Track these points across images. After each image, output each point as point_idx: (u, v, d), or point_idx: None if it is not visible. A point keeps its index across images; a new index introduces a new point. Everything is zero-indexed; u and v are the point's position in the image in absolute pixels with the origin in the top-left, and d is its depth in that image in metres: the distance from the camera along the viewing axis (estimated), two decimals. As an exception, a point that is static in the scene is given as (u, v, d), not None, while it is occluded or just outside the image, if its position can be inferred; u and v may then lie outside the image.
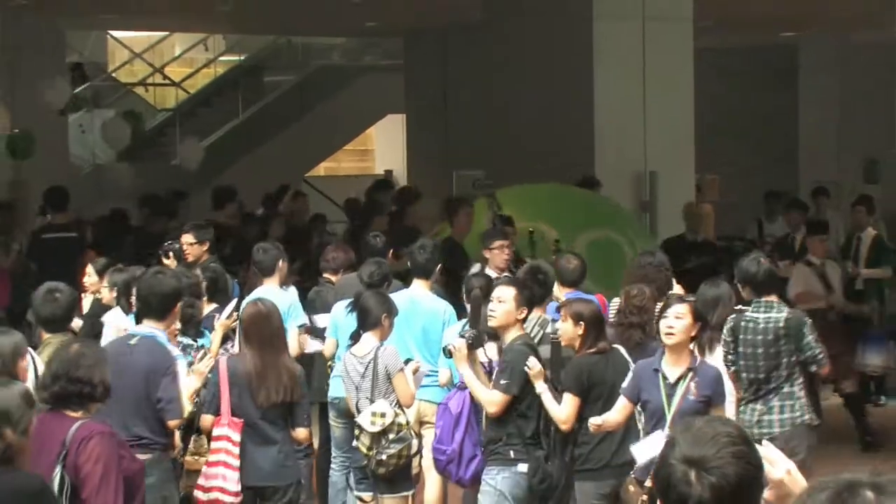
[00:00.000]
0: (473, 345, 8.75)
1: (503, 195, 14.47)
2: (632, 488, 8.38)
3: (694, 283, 13.99)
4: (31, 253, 14.94)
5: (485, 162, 18.23)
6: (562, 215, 14.34)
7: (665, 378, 8.27)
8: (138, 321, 8.78)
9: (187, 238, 11.95)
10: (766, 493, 3.90)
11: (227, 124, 24.44)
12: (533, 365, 8.79)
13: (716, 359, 9.53)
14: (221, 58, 27.10)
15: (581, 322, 8.86)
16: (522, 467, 8.61)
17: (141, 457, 8.08)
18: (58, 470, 6.50)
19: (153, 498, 8.20)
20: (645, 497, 8.21)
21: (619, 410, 8.45)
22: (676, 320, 8.38)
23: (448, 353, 8.82)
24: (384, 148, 28.25)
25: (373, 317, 9.47)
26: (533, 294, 9.38)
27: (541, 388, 8.84)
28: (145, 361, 8.35)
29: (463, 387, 9.38)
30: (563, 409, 8.70)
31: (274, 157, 23.70)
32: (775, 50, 23.93)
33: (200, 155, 21.79)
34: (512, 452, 8.62)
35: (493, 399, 8.62)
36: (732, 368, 9.71)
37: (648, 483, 8.06)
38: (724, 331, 9.73)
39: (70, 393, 6.62)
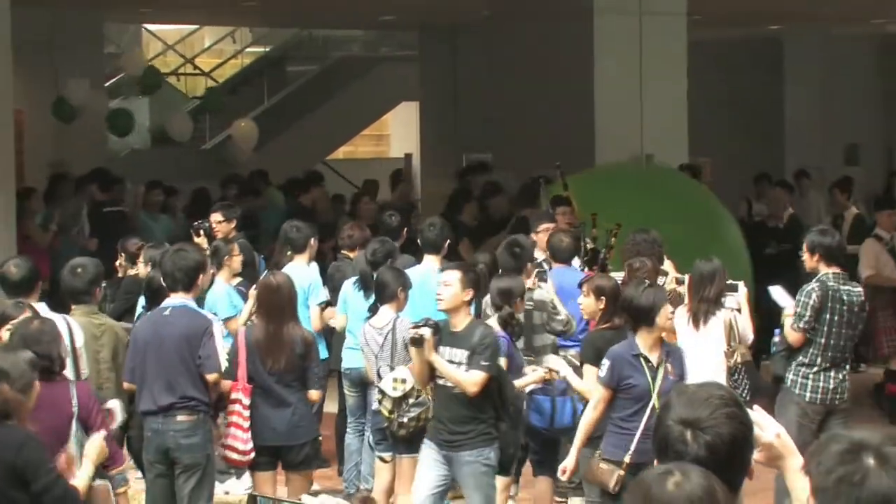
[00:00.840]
0: (435, 332, 8.56)
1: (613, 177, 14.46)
2: (604, 466, 8.29)
3: (774, 269, 14.07)
4: (92, 226, 15.38)
5: (492, 145, 18.41)
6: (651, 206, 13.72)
7: (648, 361, 8.26)
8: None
9: (216, 217, 12.18)
10: (757, 455, 3.90)
11: (252, 111, 24.55)
12: (556, 365, 9.06)
13: (710, 331, 9.53)
14: (248, 49, 27.18)
15: (602, 297, 9.00)
16: (488, 450, 8.56)
17: (187, 419, 8.61)
18: None
19: (198, 457, 8.66)
20: (622, 472, 8.19)
21: (599, 404, 8.40)
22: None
23: (415, 342, 8.55)
24: (399, 133, 28.24)
25: (389, 290, 9.69)
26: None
27: (565, 370, 9.07)
28: (184, 325, 8.63)
29: None
30: (586, 383, 8.78)
31: (296, 141, 23.79)
32: (762, 42, 23.94)
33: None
34: (493, 430, 8.56)
35: (475, 380, 8.43)
36: (808, 333, 9.64)
37: (627, 459, 8.15)
38: (813, 297, 9.60)
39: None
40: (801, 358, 9.66)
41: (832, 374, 9.63)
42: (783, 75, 23.99)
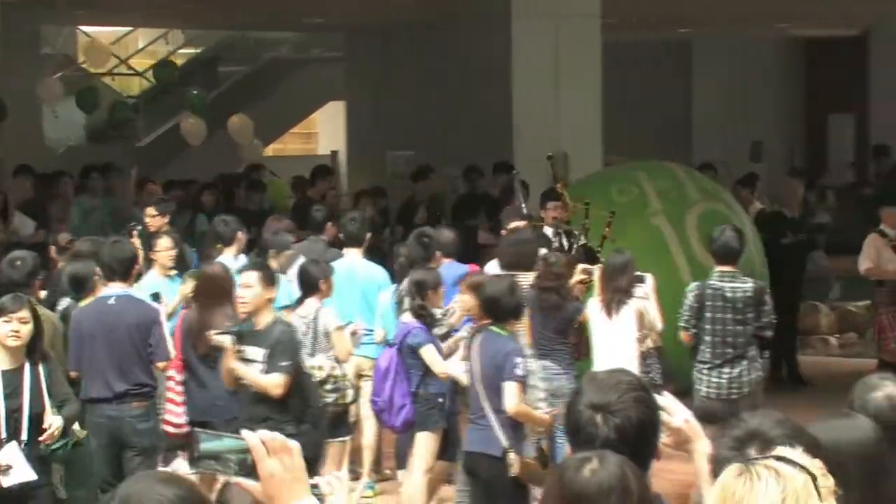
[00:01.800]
0: (238, 340, 8.35)
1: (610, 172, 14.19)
2: (513, 456, 8.08)
3: (791, 258, 14.11)
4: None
5: (416, 144, 18.26)
6: (669, 190, 13.72)
7: None
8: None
9: (150, 211, 12.16)
10: (666, 439, 3.92)
11: (185, 110, 24.22)
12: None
13: (622, 319, 9.53)
14: (180, 50, 26.90)
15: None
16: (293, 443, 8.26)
17: (140, 405, 8.67)
18: None
19: (153, 440, 8.82)
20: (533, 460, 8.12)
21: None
22: None
23: (216, 348, 8.38)
24: (327, 131, 28.16)
25: (311, 282, 9.58)
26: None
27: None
28: (134, 314, 8.71)
29: (393, 344, 9.45)
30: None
31: (227, 139, 23.55)
32: (672, 44, 24.03)
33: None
34: (294, 430, 8.16)
35: (276, 382, 8.18)
36: (692, 331, 9.63)
37: (532, 452, 8.07)
38: (690, 298, 9.63)
39: None
40: (697, 356, 9.64)
41: (725, 370, 9.53)
42: (691, 76, 24.09)
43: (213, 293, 9.06)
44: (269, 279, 8.45)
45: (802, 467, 3.07)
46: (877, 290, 13.00)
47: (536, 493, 8.79)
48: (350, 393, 9.35)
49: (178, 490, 2.88)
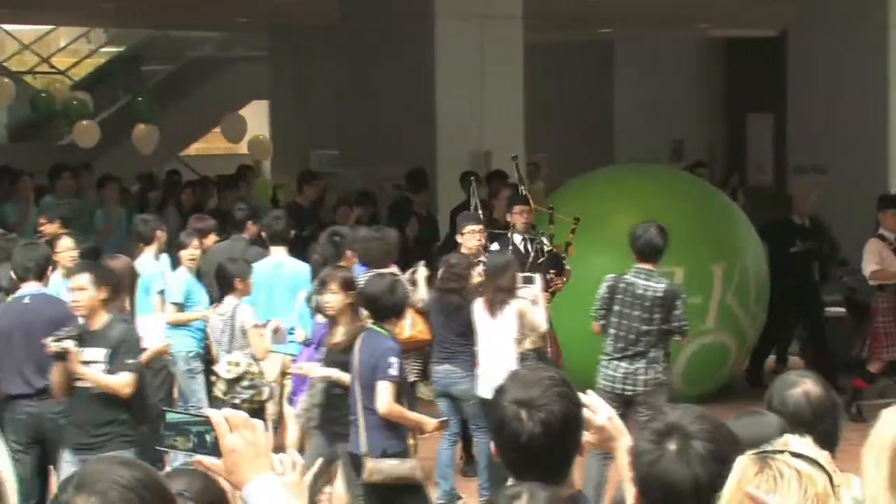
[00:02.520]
0: (79, 342, 8.04)
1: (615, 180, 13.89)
2: (370, 462, 8.05)
3: (798, 266, 13.78)
4: None
5: (339, 143, 18.23)
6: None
7: None
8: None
9: (41, 219, 12.25)
10: (590, 437, 3.93)
11: (105, 109, 24.10)
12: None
13: (504, 318, 9.61)
14: (103, 49, 26.72)
15: (350, 290, 8.79)
16: (127, 452, 7.88)
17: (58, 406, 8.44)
18: None
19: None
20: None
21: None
22: None
23: (58, 356, 8.01)
24: (251, 130, 27.99)
25: (228, 280, 9.61)
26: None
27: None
28: (50, 311, 8.55)
29: (310, 343, 9.47)
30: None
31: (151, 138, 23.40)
32: (594, 44, 24.12)
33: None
34: (132, 432, 8.05)
35: (126, 381, 7.93)
36: (601, 323, 9.63)
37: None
38: (603, 289, 9.62)
39: None
40: (604, 347, 9.66)
41: (623, 364, 9.51)
42: (613, 76, 24.21)
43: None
44: (101, 280, 8.13)
45: (820, 466, 3.09)
46: (876, 296, 12.63)
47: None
48: (266, 391, 9.32)
49: (136, 473, 2.84)
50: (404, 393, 8.37)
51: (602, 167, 15.29)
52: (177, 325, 10.59)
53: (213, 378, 9.40)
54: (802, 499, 3.01)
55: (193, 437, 3.18)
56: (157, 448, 3.48)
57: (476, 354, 9.77)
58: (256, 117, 25.79)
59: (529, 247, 11.00)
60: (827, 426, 4.36)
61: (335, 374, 8.62)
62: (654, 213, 11.32)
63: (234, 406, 9.04)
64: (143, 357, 8.66)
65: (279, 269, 10.57)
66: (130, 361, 7.99)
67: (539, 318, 9.84)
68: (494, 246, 11.10)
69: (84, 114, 21.64)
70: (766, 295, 13.53)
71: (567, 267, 10.93)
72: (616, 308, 9.54)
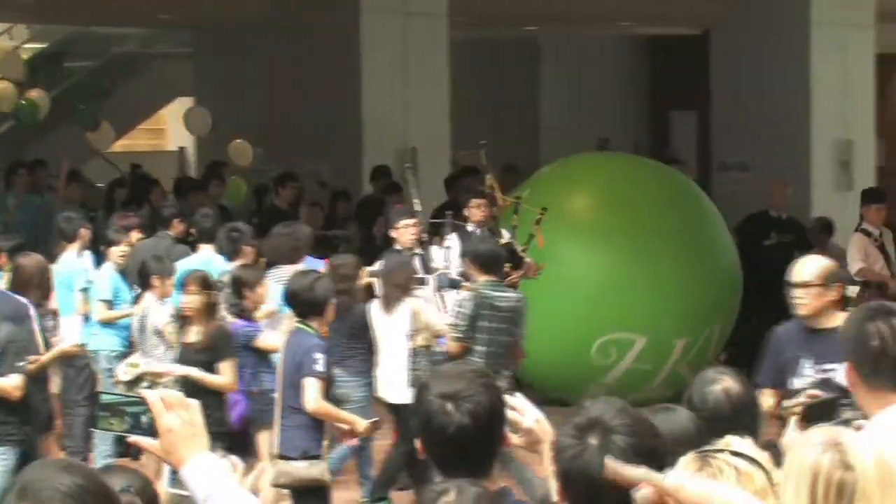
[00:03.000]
0: None
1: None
2: (280, 464, 8.07)
3: (773, 259, 12.92)
4: None
5: (266, 140, 18.18)
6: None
7: None
8: None
9: None
10: (518, 440, 3.96)
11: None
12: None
13: (398, 315, 9.69)
14: (25, 45, 26.38)
15: (207, 290, 8.81)
16: (13, 451, 7.90)
17: None
18: None
19: None
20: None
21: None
22: None
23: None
24: (175, 127, 27.85)
25: (146, 278, 9.69)
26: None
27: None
28: (8, 308, 8.44)
29: None
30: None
31: (75, 134, 23.20)
32: (520, 42, 24.17)
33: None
34: (18, 432, 7.94)
35: (14, 384, 7.82)
36: (466, 342, 9.37)
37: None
38: (463, 306, 9.42)
39: None
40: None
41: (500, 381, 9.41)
42: (539, 74, 24.27)
43: (21, 284, 8.90)
44: None
45: (759, 464, 3.17)
46: (859, 295, 12.21)
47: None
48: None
49: (77, 479, 2.80)
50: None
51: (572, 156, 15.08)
52: (105, 323, 10.54)
53: (114, 380, 9.32)
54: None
55: (128, 418, 3.19)
56: (93, 429, 3.46)
57: (370, 358, 9.76)
58: (180, 115, 25.68)
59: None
60: (746, 422, 4.40)
61: (194, 372, 8.59)
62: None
63: None
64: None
65: (207, 267, 10.39)
66: (20, 364, 7.86)
67: (434, 317, 9.89)
68: (453, 238, 11.06)
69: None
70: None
71: (527, 259, 10.89)
72: (481, 324, 9.34)
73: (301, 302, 8.07)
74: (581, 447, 3.37)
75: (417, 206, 11.42)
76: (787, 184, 14.58)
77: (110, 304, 10.63)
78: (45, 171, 16.77)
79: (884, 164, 18.09)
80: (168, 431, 3.16)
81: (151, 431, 3.17)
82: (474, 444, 3.67)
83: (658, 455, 3.31)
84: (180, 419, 3.17)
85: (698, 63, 20.51)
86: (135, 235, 11.50)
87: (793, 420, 4.64)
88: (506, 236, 11.06)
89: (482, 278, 9.43)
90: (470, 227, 11.10)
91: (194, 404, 3.24)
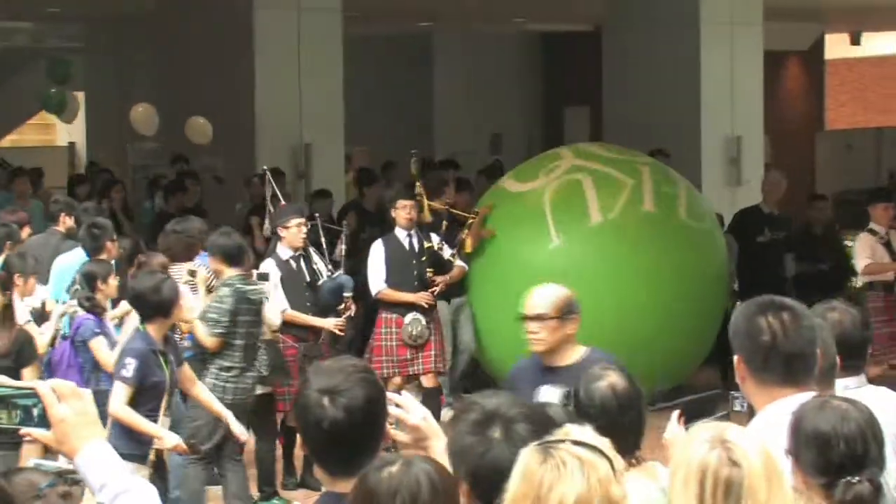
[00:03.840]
0: None
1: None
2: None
3: (768, 255, 13.15)
4: None
5: (159, 135, 18.03)
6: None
7: (164, 355, 7.89)
8: None
9: None
10: (405, 437, 3.98)
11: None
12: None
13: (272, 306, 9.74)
14: None
15: (5, 291, 8.59)
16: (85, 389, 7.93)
17: None
18: None
19: None
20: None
21: (127, 401, 7.78)
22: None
23: None
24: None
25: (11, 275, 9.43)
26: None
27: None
28: None
29: (67, 337, 9.17)
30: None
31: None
32: (414, 38, 24.19)
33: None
34: None
35: None
36: (221, 333, 9.17)
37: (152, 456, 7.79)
38: (228, 302, 9.18)
39: None
40: (220, 362, 9.18)
41: (250, 374, 9.30)
42: (432, 69, 24.29)
43: None
44: None
45: (601, 452, 3.16)
46: (867, 296, 12.27)
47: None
48: None
49: None
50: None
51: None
52: None
53: None
54: (586, 485, 3.08)
55: (20, 412, 3.17)
56: None
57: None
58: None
59: (414, 242, 10.92)
60: (632, 417, 4.45)
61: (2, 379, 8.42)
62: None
63: None
64: None
65: (82, 262, 10.40)
66: None
67: (273, 313, 9.78)
68: (378, 243, 11.00)
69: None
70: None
71: (457, 263, 10.93)
72: (239, 318, 9.20)
73: (142, 303, 7.88)
74: (486, 444, 3.42)
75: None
76: (782, 177, 14.21)
77: None
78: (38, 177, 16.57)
79: (770, 160, 18.31)
80: (61, 421, 3.14)
81: (44, 422, 3.15)
82: (350, 439, 3.65)
83: None
84: (72, 409, 3.15)
85: (591, 59, 20.64)
86: (25, 231, 11.37)
87: (673, 416, 4.67)
88: (434, 241, 11.04)
89: (229, 271, 9.23)
90: (397, 233, 10.98)
91: (86, 394, 3.22)
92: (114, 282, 9.25)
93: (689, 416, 4.68)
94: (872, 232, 12.45)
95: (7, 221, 11.16)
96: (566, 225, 12.04)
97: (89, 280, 9.13)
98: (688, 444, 3.27)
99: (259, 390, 9.60)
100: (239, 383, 9.20)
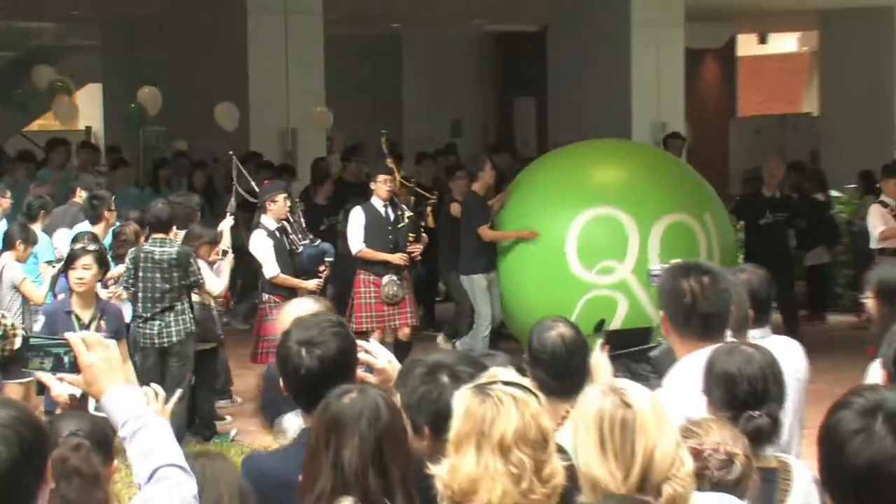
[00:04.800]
0: None
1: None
2: None
3: (770, 239, 12.40)
4: None
5: (165, 121, 17.91)
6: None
7: (79, 319, 7.83)
8: None
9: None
10: (373, 378, 3.95)
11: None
12: None
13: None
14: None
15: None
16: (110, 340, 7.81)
17: None
18: None
19: None
20: None
21: None
22: (84, 270, 8.02)
23: None
24: (86, 109, 27.26)
25: (9, 241, 9.49)
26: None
27: None
28: None
29: None
30: None
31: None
32: (384, 38, 24.08)
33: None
34: None
35: None
36: (132, 290, 9.40)
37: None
38: (127, 261, 9.44)
39: None
40: (134, 311, 9.46)
41: (156, 322, 9.35)
42: (402, 65, 24.21)
43: None
44: None
45: (528, 389, 3.16)
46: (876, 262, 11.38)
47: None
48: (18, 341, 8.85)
49: (12, 411, 2.74)
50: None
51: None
52: None
53: None
54: (521, 419, 3.07)
55: (52, 359, 3.18)
56: (23, 370, 3.46)
57: None
58: (92, 99, 25.22)
59: (390, 212, 10.81)
60: (578, 362, 4.41)
61: None
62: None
63: None
64: None
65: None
66: None
67: (214, 282, 9.78)
68: (357, 210, 10.90)
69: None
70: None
71: (423, 235, 10.83)
72: (140, 274, 9.35)
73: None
74: (439, 388, 3.46)
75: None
76: (780, 163, 13.42)
77: None
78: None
79: (691, 144, 18.30)
80: (89, 367, 3.12)
81: (74, 368, 3.15)
82: (323, 383, 3.60)
83: None
84: (99, 357, 3.14)
85: (537, 56, 20.62)
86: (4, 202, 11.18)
87: (598, 343, 4.64)
88: (408, 212, 10.95)
89: (154, 236, 9.45)
90: (374, 202, 10.88)
91: (111, 344, 3.21)
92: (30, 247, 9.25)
93: (615, 346, 4.67)
94: (884, 203, 12.16)
95: (40, 194, 11.05)
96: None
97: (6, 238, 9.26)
98: (586, 396, 3.24)
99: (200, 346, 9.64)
100: (145, 328, 9.31)
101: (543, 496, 3.07)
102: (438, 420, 3.38)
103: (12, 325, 8.72)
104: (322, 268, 10.35)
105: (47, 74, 16.60)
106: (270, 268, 10.05)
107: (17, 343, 8.59)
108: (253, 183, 11.41)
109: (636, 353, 4.86)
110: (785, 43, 30.10)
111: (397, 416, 3.32)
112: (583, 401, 3.24)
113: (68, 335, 3.21)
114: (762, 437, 3.78)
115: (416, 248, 10.80)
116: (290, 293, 10.11)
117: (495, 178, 11.64)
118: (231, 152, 12.04)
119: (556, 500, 3.11)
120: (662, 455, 3.03)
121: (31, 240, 9.37)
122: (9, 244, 9.29)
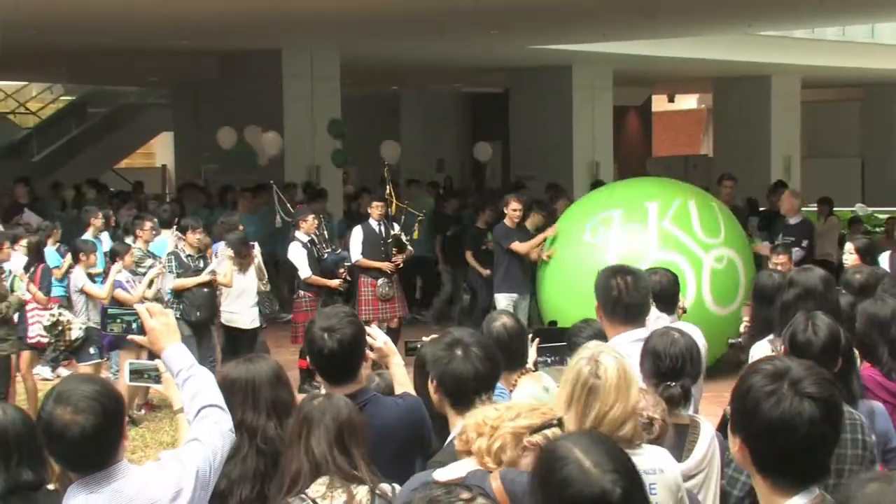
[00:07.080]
0: None
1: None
2: None
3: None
4: None
5: (218, 160, 17.75)
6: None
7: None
8: None
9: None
10: (373, 355, 3.88)
11: (63, 137, 23.14)
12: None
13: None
14: (61, 97, 25.51)
15: None
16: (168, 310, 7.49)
17: None
18: None
19: None
20: None
21: None
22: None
23: None
24: (161, 151, 27.18)
25: (77, 254, 9.00)
26: None
27: None
28: None
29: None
30: None
31: (95, 156, 22.62)
32: (386, 96, 24.03)
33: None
34: None
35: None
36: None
37: None
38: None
39: None
40: None
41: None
42: (399, 117, 24.23)
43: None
44: None
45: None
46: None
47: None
48: (74, 332, 8.39)
49: (96, 386, 2.77)
50: None
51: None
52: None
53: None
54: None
55: (123, 324, 3.26)
56: (103, 332, 3.46)
57: None
58: (165, 144, 25.09)
59: (383, 229, 10.58)
60: (518, 345, 4.30)
61: None
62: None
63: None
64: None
65: (160, 246, 9.76)
66: None
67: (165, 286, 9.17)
68: (357, 228, 10.66)
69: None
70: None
71: (408, 248, 10.51)
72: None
73: None
74: (450, 357, 3.32)
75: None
76: (796, 195, 10.99)
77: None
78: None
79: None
80: (152, 330, 3.13)
81: (141, 330, 3.17)
82: (341, 361, 3.59)
83: (498, 361, 3.40)
84: (159, 322, 3.13)
85: (502, 110, 20.62)
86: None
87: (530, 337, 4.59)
88: (395, 228, 10.67)
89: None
90: (371, 222, 10.67)
91: (169, 312, 3.20)
92: (94, 256, 8.76)
93: (545, 339, 4.70)
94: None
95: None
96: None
97: (74, 252, 8.76)
98: (576, 356, 3.20)
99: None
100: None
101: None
102: (442, 380, 3.32)
103: (68, 320, 8.35)
104: (341, 270, 10.20)
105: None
106: (304, 271, 9.93)
107: (75, 334, 8.31)
108: (288, 205, 11.30)
109: (553, 344, 5.02)
110: (688, 101, 30.28)
111: (356, 413, 3.21)
112: (574, 357, 3.20)
113: (137, 306, 3.22)
114: (674, 402, 3.71)
115: (399, 258, 10.58)
116: (319, 290, 10.00)
117: (521, 209, 10.66)
118: (272, 181, 11.90)
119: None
120: (611, 420, 3.06)
121: (90, 249, 8.86)
122: (75, 256, 8.86)
